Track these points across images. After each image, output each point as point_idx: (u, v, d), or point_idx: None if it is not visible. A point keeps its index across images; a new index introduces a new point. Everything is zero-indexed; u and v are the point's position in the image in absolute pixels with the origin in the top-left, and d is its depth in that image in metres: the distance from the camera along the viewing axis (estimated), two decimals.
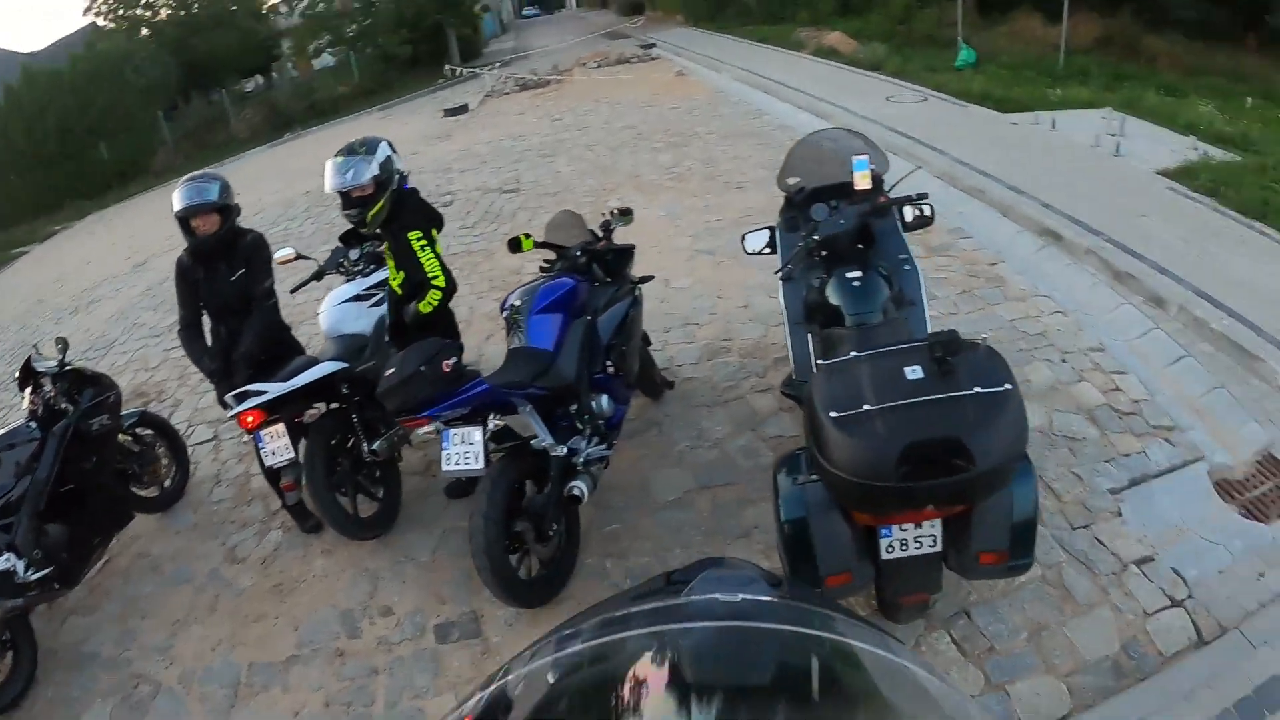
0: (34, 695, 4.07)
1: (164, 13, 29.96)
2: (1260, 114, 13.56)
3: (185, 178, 4.52)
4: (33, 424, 4.47)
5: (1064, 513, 3.96)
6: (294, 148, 20.45)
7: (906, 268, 3.73)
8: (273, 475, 4.42)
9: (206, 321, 4.68)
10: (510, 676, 1.08)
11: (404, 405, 3.50)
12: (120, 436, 5.02)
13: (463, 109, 17.32)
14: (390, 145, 4.31)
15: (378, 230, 4.37)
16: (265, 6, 32.26)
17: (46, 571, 4.13)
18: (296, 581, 4.32)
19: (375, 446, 4.21)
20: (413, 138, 15.44)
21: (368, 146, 4.23)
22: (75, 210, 22.82)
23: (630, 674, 1.04)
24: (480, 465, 3.48)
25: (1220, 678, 3.19)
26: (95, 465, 4.63)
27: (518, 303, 3.98)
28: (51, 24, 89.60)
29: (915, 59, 16.28)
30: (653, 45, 23.38)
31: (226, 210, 4.43)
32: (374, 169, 4.16)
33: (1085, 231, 6.74)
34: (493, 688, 1.08)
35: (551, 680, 1.06)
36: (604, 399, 4.01)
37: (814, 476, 2.55)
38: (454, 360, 3.57)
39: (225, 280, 4.45)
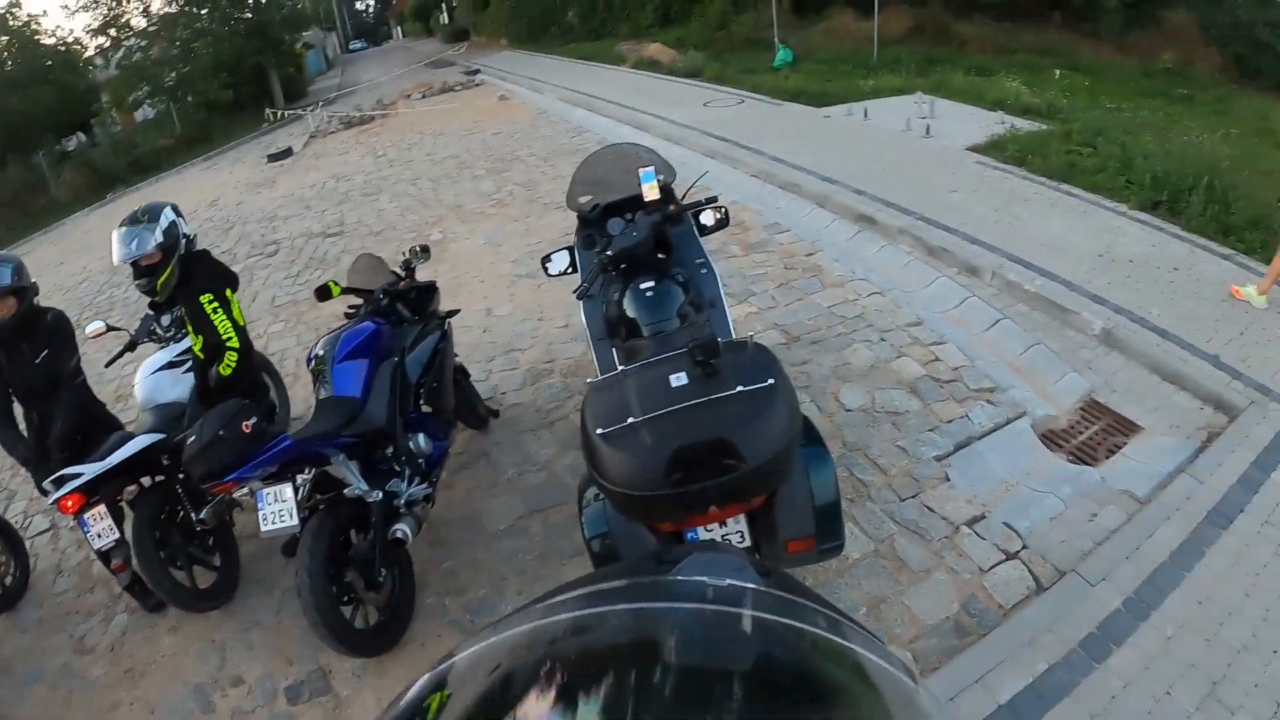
0: None
1: None
2: (1067, 83, 14.59)
3: None
4: None
5: (891, 486, 4.08)
6: (119, 207, 19.31)
7: (704, 271, 3.70)
8: (105, 558, 4.27)
9: (18, 407, 4.50)
10: (468, 651, 1.04)
11: (209, 472, 3.40)
12: None
13: (287, 153, 16.84)
14: (175, 210, 4.27)
15: (171, 296, 4.34)
16: (82, 59, 30.18)
17: None
18: (147, 664, 4.22)
19: (203, 515, 4.04)
20: (237, 186, 14.97)
21: (150, 214, 4.19)
22: None
23: (607, 648, 1.04)
24: (295, 523, 3.45)
25: (1062, 621, 3.32)
26: None
27: (321, 353, 3.95)
28: None
29: (734, 63, 16.77)
30: (477, 71, 23.33)
31: (22, 292, 4.26)
32: (158, 236, 4.14)
33: (898, 213, 7.08)
34: (448, 662, 1.03)
35: (523, 653, 1.03)
36: (420, 438, 4.05)
37: None
38: (254, 420, 3.51)
39: (29, 363, 4.30)
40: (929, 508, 3.95)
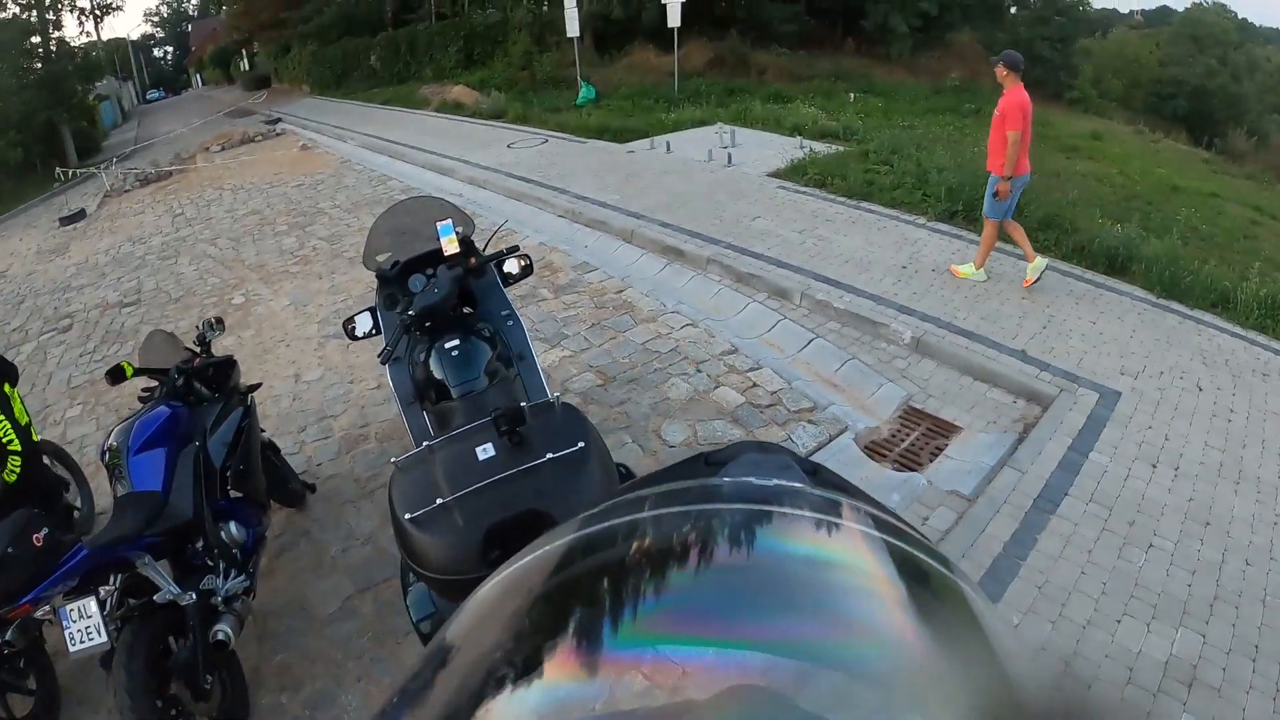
0: None
1: None
2: (861, 106, 15.35)
3: None
4: None
5: None
6: None
7: (510, 323, 3.55)
8: None
9: None
10: (536, 553, 1.00)
11: (1, 595, 2.95)
12: None
13: (80, 215, 15.23)
14: None
15: None
16: None
17: None
18: None
19: (8, 636, 3.40)
20: (29, 256, 13.32)
21: None
22: None
23: (654, 550, 0.98)
24: (104, 639, 3.00)
25: None
26: None
27: (115, 444, 3.51)
28: None
29: (537, 103, 16.74)
30: (278, 120, 22.20)
31: None
32: None
33: (705, 243, 7.14)
34: (521, 562, 1.00)
35: (577, 551, 1.00)
36: (232, 526, 3.68)
37: None
38: (45, 531, 3.04)
39: None
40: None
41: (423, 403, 3.37)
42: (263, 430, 4.45)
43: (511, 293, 3.76)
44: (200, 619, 3.27)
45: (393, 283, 3.65)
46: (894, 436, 4.75)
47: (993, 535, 3.85)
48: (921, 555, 1.03)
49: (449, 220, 3.58)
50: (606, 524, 1.05)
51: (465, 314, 3.57)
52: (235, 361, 4.31)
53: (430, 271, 3.62)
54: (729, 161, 9.98)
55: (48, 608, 3.06)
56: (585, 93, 16.81)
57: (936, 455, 4.60)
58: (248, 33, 39.96)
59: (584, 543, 1.02)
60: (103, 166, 19.38)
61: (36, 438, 4.03)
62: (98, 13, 30.41)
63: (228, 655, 3.42)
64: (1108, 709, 1.16)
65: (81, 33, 27.67)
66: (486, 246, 3.91)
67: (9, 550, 2.94)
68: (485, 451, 2.28)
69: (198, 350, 4.13)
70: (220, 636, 3.29)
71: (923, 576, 1.00)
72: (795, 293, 6.18)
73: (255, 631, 3.67)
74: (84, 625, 3.04)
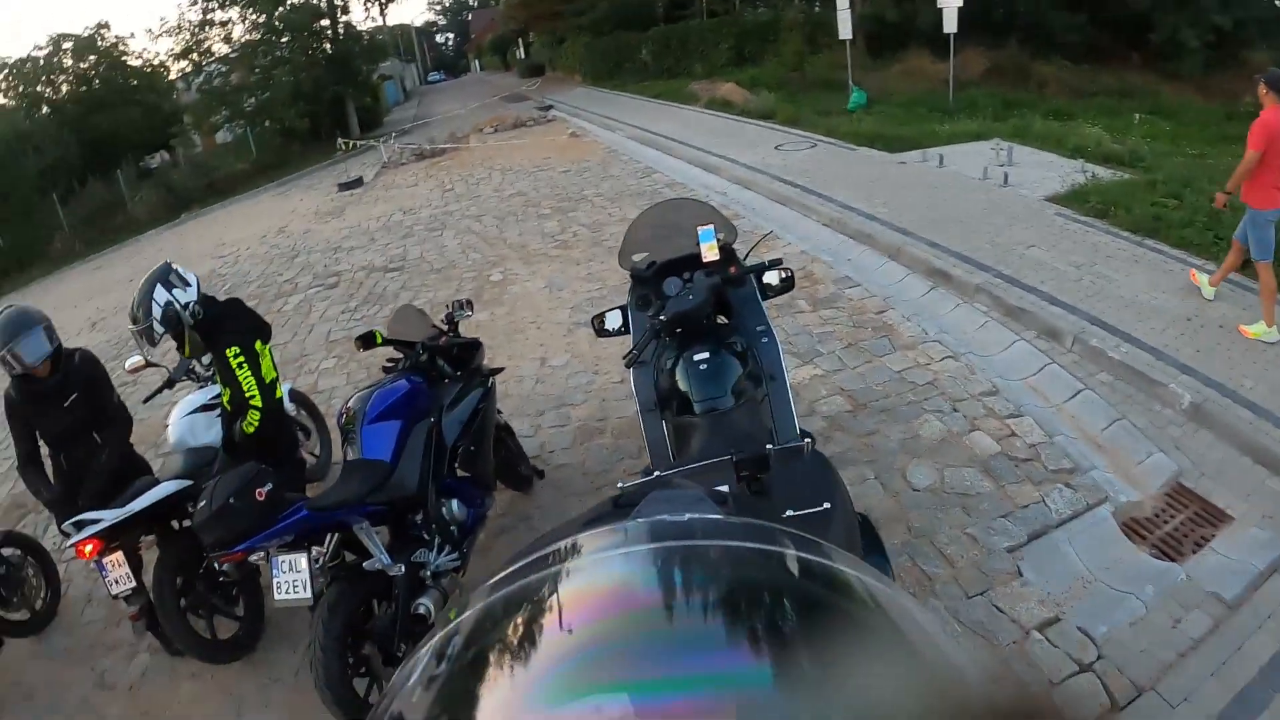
0: None
1: (64, 89, 28.86)
2: (1148, 128, 14.08)
3: (5, 315, 4.18)
4: None
5: (958, 580, 3.78)
6: (193, 229, 19.94)
7: (764, 340, 3.47)
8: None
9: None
10: (454, 623, 1.02)
11: (217, 541, 3.27)
12: None
13: (357, 182, 17.18)
14: (165, 283, 4.05)
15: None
16: (165, 82, 31.38)
17: None
18: (163, 709, 4.13)
19: (225, 568, 3.94)
20: (307, 215, 15.28)
21: (143, 310, 4.01)
22: None
23: (580, 600, 1.01)
24: (308, 595, 3.31)
25: None
26: None
27: (352, 409, 3.81)
28: None
29: (808, 105, 16.63)
30: (550, 107, 23.64)
31: (57, 350, 4.24)
32: (158, 327, 4.02)
33: (975, 269, 6.79)
34: (434, 639, 1.02)
35: (493, 616, 1.01)
36: (454, 504, 3.89)
37: None
38: (269, 487, 3.35)
39: (59, 409, 4.25)
40: (998, 608, 3.65)
41: (663, 412, 3.39)
42: (500, 412, 4.68)
43: (768, 304, 3.70)
44: (406, 590, 3.49)
45: (647, 283, 3.69)
46: (1157, 516, 4.28)
47: (1249, 655, 3.37)
48: (843, 566, 1.06)
49: (711, 225, 3.56)
50: (521, 583, 1.05)
51: (719, 324, 3.56)
52: (480, 344, 4.55)
53: (687, 276, 3.61)
54: (1004, 181, 9.41)
55: (262, 554, 3.37)
56: (856, 97, 16.52)
57: (1200, 546, 4.09)
58: (524, 23, 43.06)
59: (499, 606, 1.03)
60: (382, 140, 21.56)
61: (280, 394, 4.41)
62: (381, 1, 33.71)
63: (426, 629, 3.57)
64: (1044, 704, 1.13)
65: (367, 18, 31.07)
66: (748, 255, 3.85)
67: (230, 501, 3.24)
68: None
69: (445, 329, 4.39)
70: (421, 610, 3.47)
71: (847, 589, 1.03)
72: (1067, 335, 5.70)
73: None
74: (292, 578, 3.34)
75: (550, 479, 5.08)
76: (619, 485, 2.38)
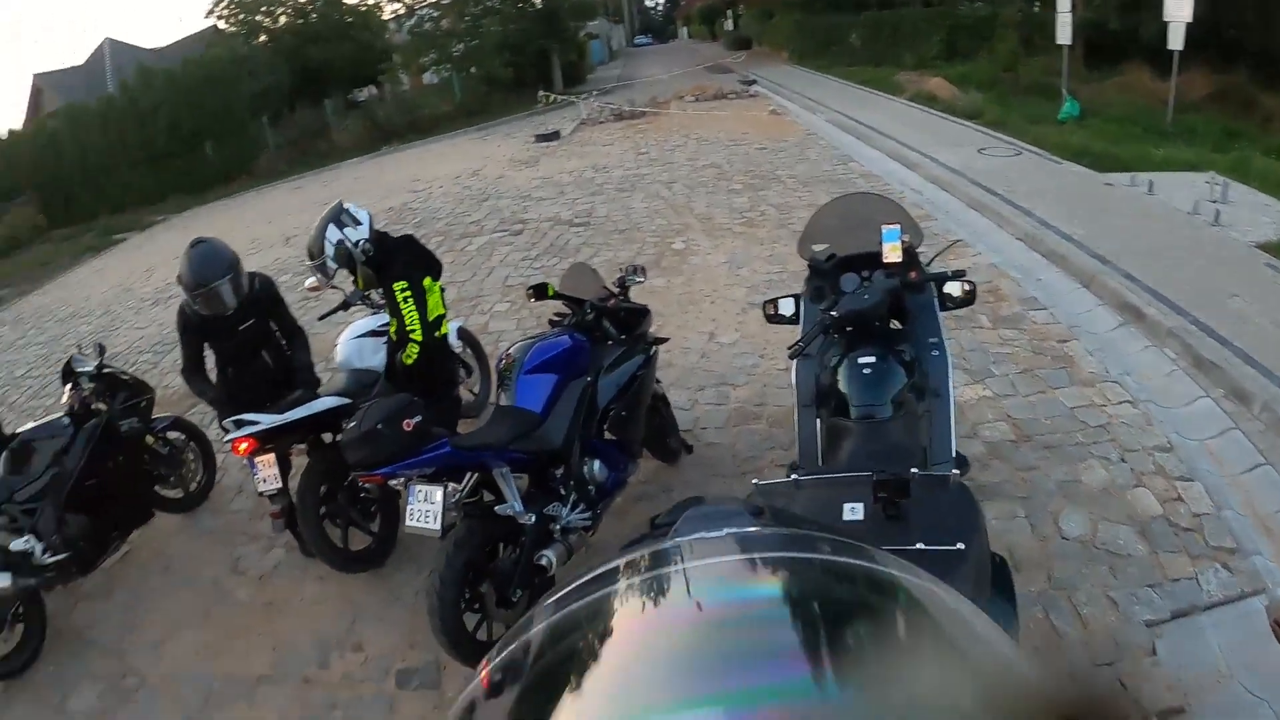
0: (35, 669, 4.46)
1: (282, 20, 31.43)
2: None
3: (194, 247, 4.52)
4: (67, 419, 4.85)
5: (1089, 644, 3.57)
6: (391, 161, 21.19)
7: (935, 354, 3.43)
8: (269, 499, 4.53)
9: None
10: (500, 655, 1.07)
11: (360, 461, 3.49)
12: (150, 439, 5.33)
13: (554, 136, 17.70)
14: (338, 222, 4.30)
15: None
16: (378, 22, 33.55)
17: (63, 557, 4.53)
18: (286, 603, 4.47)
19: (367, 486, 4.23)
20: (502, 161, 15.90)
21: (317, 248, 4.30)
22: (176, 204, 24.15)
23: (623, 625, 1.04)
24: (436, 527, 3.46)
25: None
26: (121, 464, 4.98)
27: (512, 356, 3.96)
28: (179, 23, 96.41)
29: (1017, 109, 15.85)
30: (753, 82, 23.53)
31: (238, 280, 4.52)
32: (331, 264, 4.30)
33: (1169, 310, 6.33)
34: (485, 670, 1.06)
35: (543, 648, 1.05)
36: (597, 465, 3.97)
37: None
38: (418, 419, 3.52)
39: (235, 330, 4.59)
40: (1123, 683, 3.39)
41: (819, 409, 3.35)
42: (658, 382, 4.72)
43: (945, 316, 3.58)
44: (533, 539, 3.61)
45: (825, 275, 3.65)
46: None
47: None
48: (883, 566, 1.10)
49: (897, 225, 3.50)
50: (574, 606, 1.07)
51: (890, 329, 3.49)
52: (649, 312, 4.62)
53: (866, 274, 3.56)
54: (1215, 219, 8.56)
55: (401, 481, 3.55)
56: (1069, 108, 15.47)
57: None
58: None
59: (554, 630, 1.05)
60: (583, 97, 22.17)
61: (445, 331, 4.59)
62: None
63: (545, 580, 3.68)
64: (1105, 699, 1.08)
65: None
66: (932, 261, 3.81)
67: (379, 426, 3.45)
68: (853, 511, 2.15)
69: (616, 292, 4.47)
70: (543, 561, 3.58)
71: (893, 591, 1.06)
72: (1257, 400, 5.12)
73: (578, 563, 3.85)
74: (424, 509, 3.50)
75: (698, 455, 5.08)
76: (756, 479, 2.39)
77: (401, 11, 31.30)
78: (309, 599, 4.45)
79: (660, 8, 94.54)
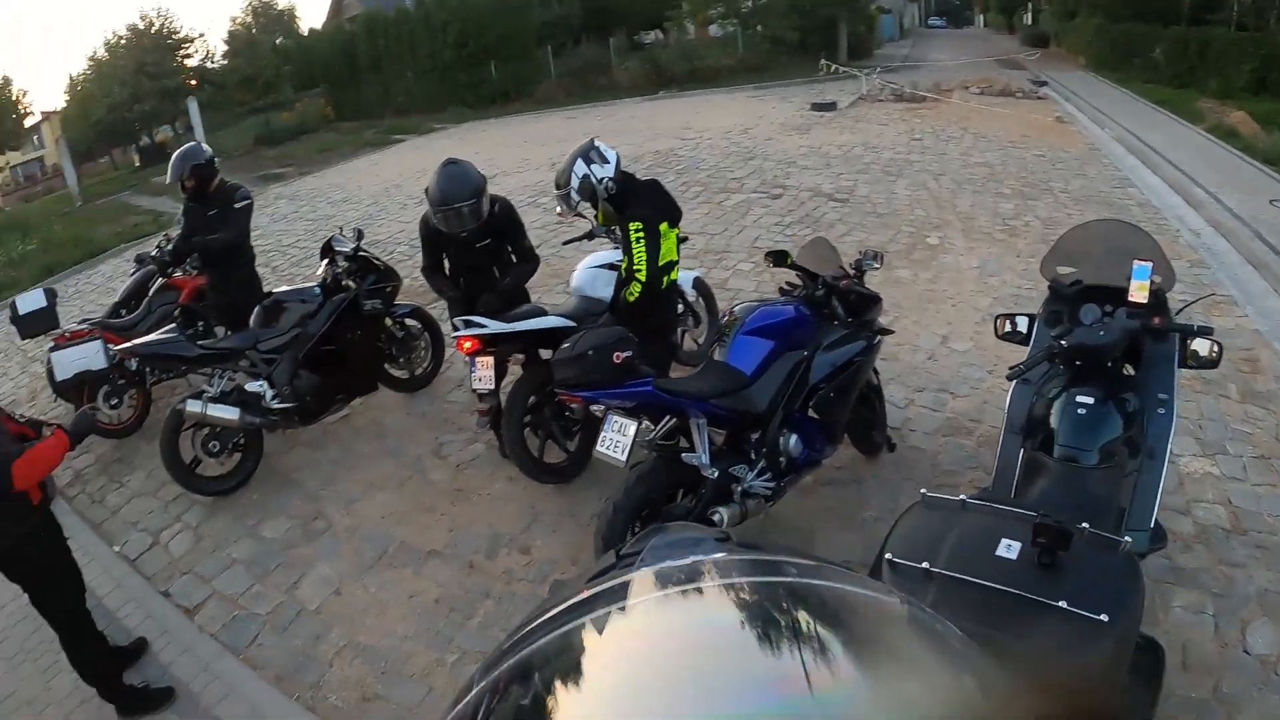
0: (240, 494, 5.22)
1: None
2: None
3: (445, 166, 4.89)
4: (318, 289, 5.50)
5: None
6: (665, 106, 21.58)
7: (1161, 411, 3.22)
8: (478, 397, 4.85)
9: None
10: (472, 691, 1.09)
11: (565, 380, 3.68)
12: (389, 322, 5.88)
13: (830, 106, 17.35)
14: (585, 160, 4.51)
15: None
16: None
17: (290, 406, 5.23)
18: (474, 493, 4.84)
19: (572, 408, 4.47)
20: (774, 124, 15.79)
21: (564, 180, 4.56)
22: (456, 115, 25.95)
23: (596, 656, 1.06)
24: (622, 459, 3.60)
25: None
26: (358, 337, 5.58)
27: (736, 315, 4.01)
28: None
29: None
30: (1044, 83, 22.02)
31: (479, 205, 4.83)
32: (573, 196, 4.55)
33: None
34: (459, 706, 1.09)
35: (513, 680, 1.07)
36: (793, 440, 3.93)
37: None
38: (628, 354, 3.63)
39: (471, 246, 4.94)
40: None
41: (1026, 438, 3.22)
42: (876, 373, 4.64)
43: (1183, 374, 3.37)
44: (712, 493, 3.65)
45: (1064, 301, 3.52)
46: None
47: None
48: (854, 588, 1.11)
49: (1150, 263, 3.30)
50: (542, 641, 1.07)
51: (1120, 373, 3.30)
52: (879, 300, 4.52)
53: (1108, 309, 3.40)
54: None
55: (601, 408, 3.70)
56: None
57: None
58: None
59: (523, 666, 1.04)
60: (865, 72, 21.54)
61: (674, 276, 4.73)
62: None
63: None
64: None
65: None
66: (1182, 311, 3.61)
67: (589, 352, 3.61)
68: (1008, 548, 2.11)
69: (851, 273, 4.40)
70: (716, 518, 3.61)
71: (860, 607, 1.08)
72: None
73: (751, 530, 3.90)
74: (616, 438, 3.65)
75: (898, 456, 4.89)
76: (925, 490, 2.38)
77: None
78: (495, 495, 4.78)
79: None
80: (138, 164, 34.66)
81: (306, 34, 41.41)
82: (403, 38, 29.54)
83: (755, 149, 13.18)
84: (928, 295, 7.12)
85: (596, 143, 4.59)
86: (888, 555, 2.15)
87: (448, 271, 5.13)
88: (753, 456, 3.81)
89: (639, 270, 4.38)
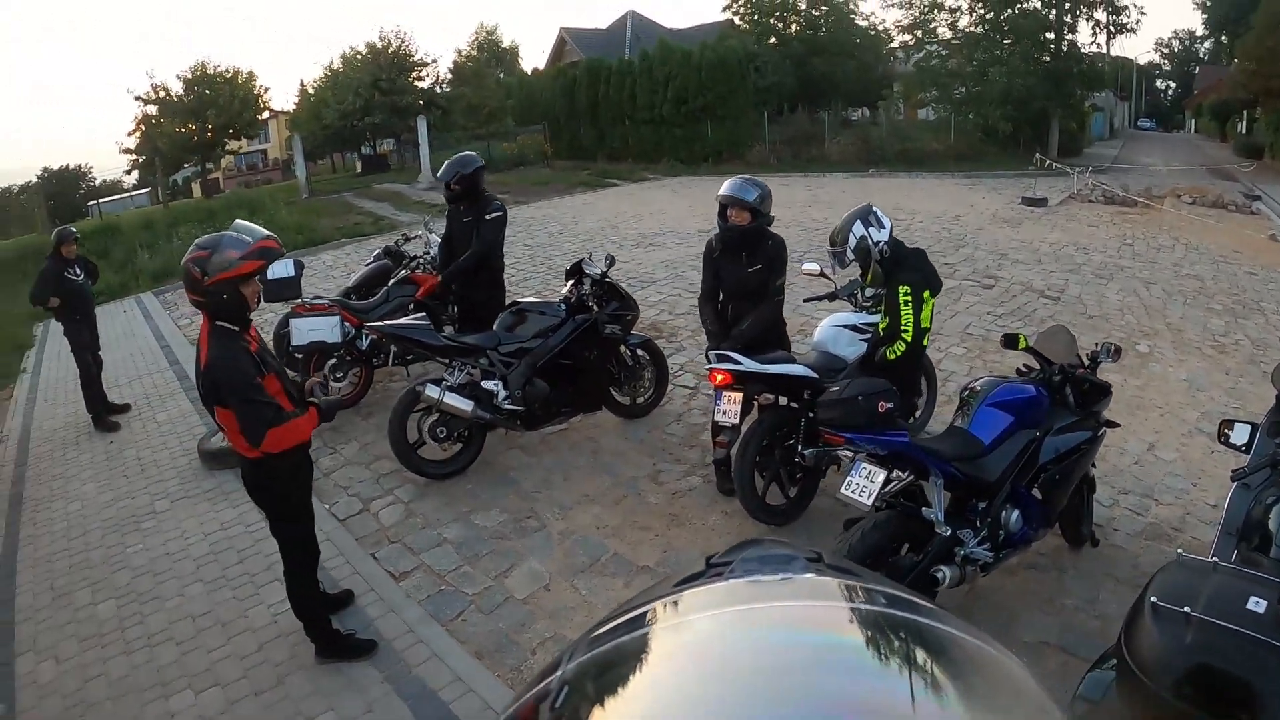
0: (456, 481, 5.64)
1: (794, 28, 33.19)
2: None
3: (740, 176, 5.32)
4: (562, 306, 5.87)
5: None
6: (876, 184, 21.64)
7: None
8: (715, 430, 5.09)
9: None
10: (558, 672, 1.08)
11: (830, 420, 3.83)
12: (622, 349, 6.20)
13: (1041, 202, 16.96)
14: (864, 221, 4.75)
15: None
16: (886, 48, 34.02)
17: (518, 409, 5.56)
18: (689, 520, 5.02)
19: (808, 453, 4.56)
20: (985, 214, 15.63)
21: (841, 237, 4.82)
22: (668, 167, 26.88)
23: (676, 660, 1.08)
24: (867, 503, 3.71)
25: None
26: (593, 358, 5.91)
27: (978, 388, 4.11)
28: (697, 10, 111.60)
29: None
30: (1258, 198, 20.47)
31: (758, 214, 5.13)
32: (850, 255, 4.81)
33: None
34: (540, 685, 1.09)
35: (598, 672, 1.07)
36: (1015, 514, 3.97)
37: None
38: (891, 406, 3.76)
39: (741, 270, 5.21)
40: None
41: (1241, 540, 3.24)
42: (1093, 465, 4.60)
43: None
44: (938, 551, 3.73)
45: None
46: None
47: None
48: (940, 625, 1.07)
49: None
50: (626, 637, 1.08)
51: None
52: (1110, 392, 4.53)
53: None
54: None
55: (851, 453, 3.85)
56: None
57: None
58: (1255, 95, 37.11)
59: (606, 658, 1.05)
60: (1076, 170, 20.78)
61: (926, 342, 4.89)
62: (1111, 29, 31.91)
63: (931, 594, 3.73)
64: None
65: (1092, 43, 29.49)
66: None
67: (858, 397, 3.76)
68: (1257, 604, 2.19)
69: (1085, 364, 4.44)
70: (938, 575, 3.68)
71: (949, 647, 1.04)
72: None
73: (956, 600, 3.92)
74: (863, 484, 3.77)
75: (1101, 551, 4.82)
76: (1180, 549, 2.45)
77: (910, 43, 31.43)
78: (710, 526, 4.94)
79: (1169, 93, 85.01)
80: (359, 170, 36.94)
81: (530, 73, 43.69)
82: (623, 87, 30.59)
83: (966, 237, 13.11)
84: (1136, 401, 6.94)
85: (874, 208, 4.83)
86: (1151, 599, 2.26)
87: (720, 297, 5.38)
88: (977, 524, 3.88)
89: (905, 331, 4.58)
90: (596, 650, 1.09)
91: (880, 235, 4.74)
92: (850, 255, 4.76)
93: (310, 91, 39.70)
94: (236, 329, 3.65)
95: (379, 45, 34.88)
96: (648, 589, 1.42)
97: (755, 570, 1.26)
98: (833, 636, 1.08)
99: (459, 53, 47.07)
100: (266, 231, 3.68)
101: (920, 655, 1.05)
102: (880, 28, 33.60)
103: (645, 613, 1.17)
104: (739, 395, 4.77)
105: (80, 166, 58.27)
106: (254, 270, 3.58)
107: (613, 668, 1.07)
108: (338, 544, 5.09)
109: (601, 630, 1.16)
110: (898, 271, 4.72)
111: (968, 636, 1.09)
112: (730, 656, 1.04)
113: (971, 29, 28.89)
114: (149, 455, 7.18)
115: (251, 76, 34.25)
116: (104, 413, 8.07)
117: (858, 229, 4.73)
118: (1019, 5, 27.92)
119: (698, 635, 1.12)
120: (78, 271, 8.17)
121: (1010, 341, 4.29)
